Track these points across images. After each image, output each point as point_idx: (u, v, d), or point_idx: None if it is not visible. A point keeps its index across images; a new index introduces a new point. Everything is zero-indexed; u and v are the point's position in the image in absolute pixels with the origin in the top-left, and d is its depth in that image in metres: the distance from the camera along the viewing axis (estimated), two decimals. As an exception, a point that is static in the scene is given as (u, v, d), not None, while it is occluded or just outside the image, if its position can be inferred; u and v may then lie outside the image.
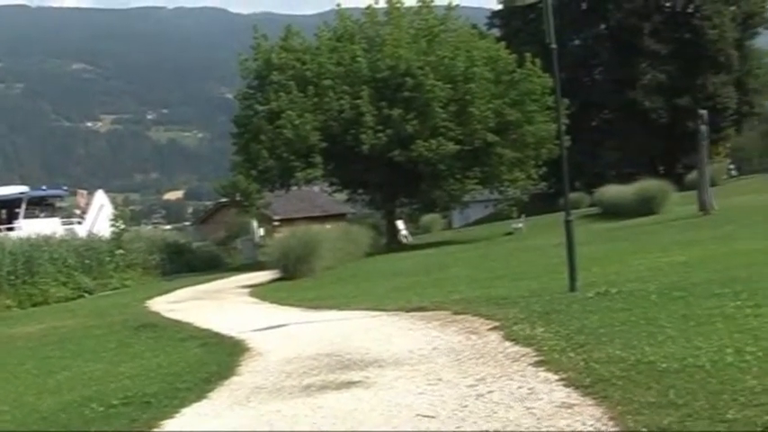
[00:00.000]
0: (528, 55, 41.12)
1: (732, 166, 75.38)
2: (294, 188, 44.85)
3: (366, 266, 30.31)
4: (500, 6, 73.40)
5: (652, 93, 67.77)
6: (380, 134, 38.34)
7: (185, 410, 8.74)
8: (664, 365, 7.47)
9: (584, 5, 75.87)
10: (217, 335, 14.49)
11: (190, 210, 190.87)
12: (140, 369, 12.10)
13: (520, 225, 42.36)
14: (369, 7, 43.89)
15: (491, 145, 40.27)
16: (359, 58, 40.15)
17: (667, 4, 71.52)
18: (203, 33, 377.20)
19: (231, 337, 13.75)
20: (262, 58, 41.97)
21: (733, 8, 72.93)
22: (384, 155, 38.73)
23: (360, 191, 46.98)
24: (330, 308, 16.92)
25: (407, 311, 14.20)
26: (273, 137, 38.77)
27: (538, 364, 8.52)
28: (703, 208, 30.83)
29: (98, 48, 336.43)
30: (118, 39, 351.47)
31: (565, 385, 7.47)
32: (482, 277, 19.68)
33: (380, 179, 41.60)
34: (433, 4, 44.25)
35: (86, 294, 33.03)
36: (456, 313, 12.93)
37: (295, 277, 27.22)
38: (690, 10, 71.82)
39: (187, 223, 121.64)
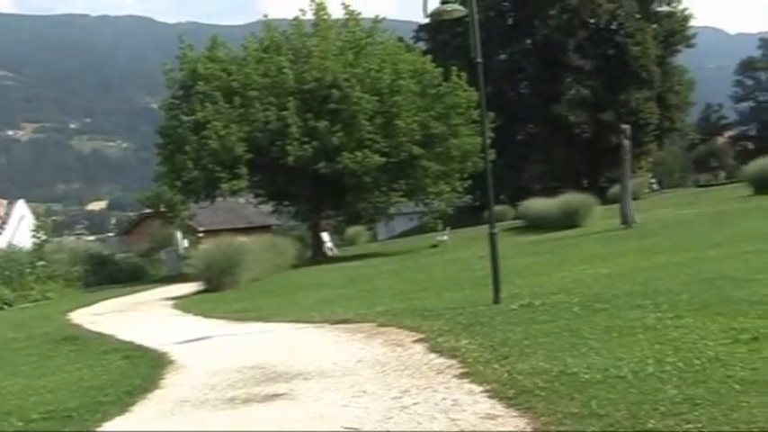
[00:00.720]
0: (454, 68, 41.37)
1: (653, 180, 76.72)
2: (219, 199, 44.62)
3: (291, 278, 30.18)
4: (427, 20, 73.77)
5: (576, 107, 68.75)
6: (306, 146, 38.29)
7: (107, 424, 8.62)
8: (586, 376, 7.54)
9: (510, 21, 76.84)
10: (140, 347, 14.31)
11: (113, 221, 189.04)
12: (62, 382, 11.88)
13: (445, 237, 42.51)
14: (296, 19, 43.80)
15: (416, 158, 40.41)
16: (285, 70, 40.06)
17: (591, 21, 72.55)
18: (128, 42, 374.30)
19: (155, 350, 13.60)
20: (187, 68, 41.65)
21: (655, 26, 74.51)
22: (310, 166, 38.68)
23: (285, 202, 46.86)
24: (255, 320, 16.83)
25: (332, 323, 14.18)
26: (198, 147, 38.50)
27: (462, 375, 8.55)
28: (625, 221, 31.17)
29: (20, 54, 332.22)
30: (40, 45, 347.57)
31: (489, 396, 7.50)
32: (407, 289, 19.70)
33: (306, 191, 41.53)
34: (359, 16, 44.31)
35: (6, 306, 32.45)
36: (381, 325, 12.94)
37: (220, 289, 26.99)
38: (613, 27, 73.00)
39: (110, 234, 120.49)
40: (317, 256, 43.46)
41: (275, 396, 8.84)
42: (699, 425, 5.87)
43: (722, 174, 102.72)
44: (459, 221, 49.11)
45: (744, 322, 9.07)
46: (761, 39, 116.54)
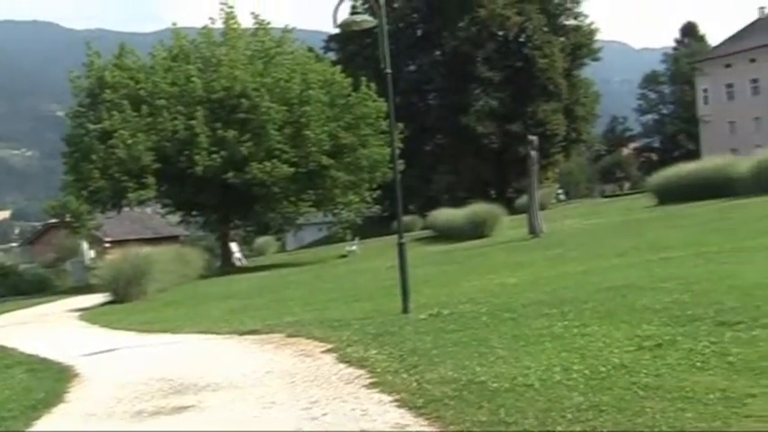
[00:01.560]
0: (363, 79, 41.49)
1: (560, 191, 77.69)
2: (126, 209, 44.07)
3: (199, 289, 29.92)
4: (336, 30, 73.89)
5: (484, 118, 69.30)
6: (215, 155, 38.04)
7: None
8: (495, 385, 7.59)
9: (419, 32, 77.27)
10: (44, 360, 14.02)
11: (17, 230, 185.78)
12: (-38, 397, 11.62)
13: (354, 247, 42.56)
14: (205, 27, 43.56)
15: (325, 168, 40.42)
16: (194, 79, 39.77)
17: (500, 33, 73.26)
18: (34, 48, 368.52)
19: (59, 363, 13.33)
20: (94, 75, 41.11)
21: (562, 39, 75.60)
22: (218, 176, 38.42)
23: (193, 212, 46.50)
24: (163, 331, 16.64)
25: (241, 334, 14.08)
26: (105, 157, 38.01)
27: (371, 385, 8.54)
28: (533, 231, 31.47)
29: None
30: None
31: (398, 406, 7.51)
32: (316, 300, 19.64)
33: (214, 201, 41.23)
34: (269, 26, 44.21)
35: None
36: (290, 336, 12.88)
37: (126, 300, 26.66)
38: (522, 39, 73.82)
39: (14, 244, 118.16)
40: (226, 266, 43.19)
41: (183, 408, 8.74)
42: (604, 431, 5.95)
43: (627, 184, 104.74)
44: (368, 231, 49.24)
45: (648, 329, 9.22)
46: (664, 53, 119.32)
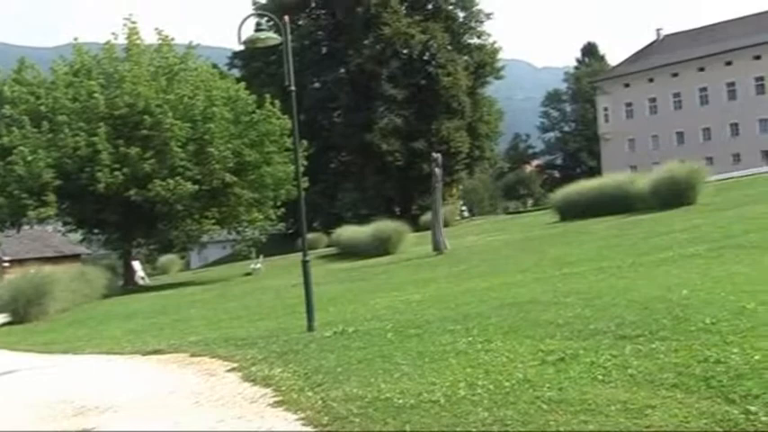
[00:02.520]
0: (268, 96, 41.36)
1: (464, 208, 78.31)
2: (26, 227, 43.22)
3: (102, 309, 29.48)
4: (241, 47, 73.37)
5: (389, 136, 69.53)
6: (117, 172, 37.51)
7: None
8: (400, 401, 7.60)
9: (324, 49, 77.34)
10: (-62, 384, 13.68)
11: None
12: None
13: (258, 265, 42.32)
14: (107, 43, 42.96)
15: (229, 185, 40.19)
16: (96, 95, 39.17)
17: (404, 51, 73.60)
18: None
19: (-45, 385, 13.03)
20: (-8, 90, 40.34)
21: (466, 57, 76.33)
22: (120, 194, 37.90)
23: (95, 230, 45.78)
24: (64, 352, 16.36)
25: (144, 354, 13.92)
26: (4, 173, 37.30)
27: (276, 404, 8.51)
28: (437, 248, 31.62)
29: None
30: None
31: (303, 424, 7.49)
32: (220, 318, 19.53)
33: (117, 219, 40.64)
34: (173, 42, 43.84)
35: None
36: (193, 355, 12.78)
37: (26, 320, 26.17)
38: (426, 57, 74.26)
39: None
40: (129, 285, 42.57)
41: (86, 431, 8.60)
42: (509, 446, 6.00)
43: (530, 201, 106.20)
44: (273, 249, 49.07)
45: (551, 344, 9.33)
46: (565, 72, 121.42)
